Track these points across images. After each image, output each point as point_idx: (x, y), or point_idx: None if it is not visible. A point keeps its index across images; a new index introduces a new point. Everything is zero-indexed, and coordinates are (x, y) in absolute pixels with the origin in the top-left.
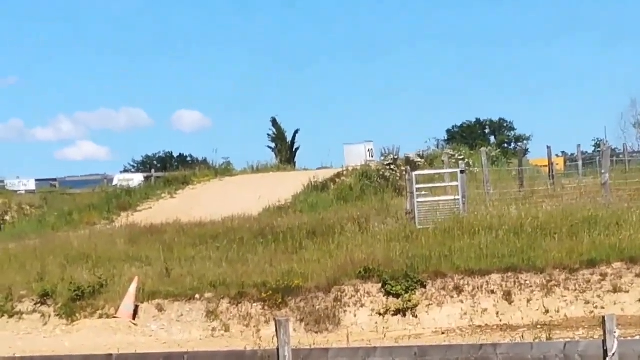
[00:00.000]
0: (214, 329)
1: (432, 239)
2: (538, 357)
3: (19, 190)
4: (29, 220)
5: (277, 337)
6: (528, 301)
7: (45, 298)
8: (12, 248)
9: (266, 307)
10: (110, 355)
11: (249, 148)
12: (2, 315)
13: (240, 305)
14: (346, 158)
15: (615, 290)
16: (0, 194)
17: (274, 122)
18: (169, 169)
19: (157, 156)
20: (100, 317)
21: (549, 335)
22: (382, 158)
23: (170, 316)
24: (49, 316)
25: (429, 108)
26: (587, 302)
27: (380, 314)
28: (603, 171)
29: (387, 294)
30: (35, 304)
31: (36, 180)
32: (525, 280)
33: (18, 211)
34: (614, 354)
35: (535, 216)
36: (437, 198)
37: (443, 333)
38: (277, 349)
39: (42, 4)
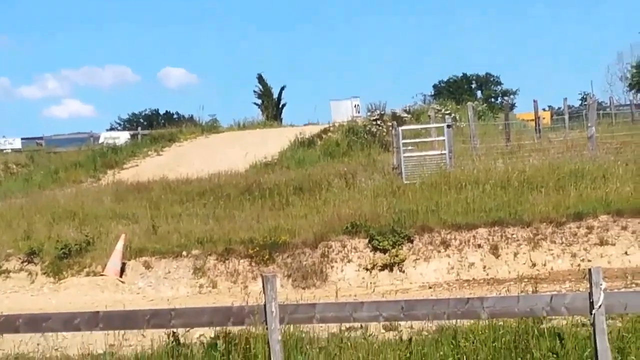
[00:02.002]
0: (201, 286)
1: (419, 194)
2: (525, 311)
3: (5, 149)
4: (15, 179)
5: (264, 293)
6: (515, 255)
7: (32, 256)
8: None
9: (253, 264)
10: (97, 312)
11: (235, 105)
12: None
13: (227, 261)
14: (333, 114)
15: (602, 243)
16: None
17: (260, 78)
18: (156, 127)
19: (143, 114)
20: (87, 275)
21: (536, 288)
22: (369, 114)
23: (157, 273)
24: (36, 274)
25: (415, 63)
26: (573, 255)
27: (367, 269)
28: (589, 124)
29: (374, 249)
30: (22, 263)
31: (22, 139)
32: (512, 234)
33: (4, 170)
34: (600, 306)
35: (522, 170)
36: (423, 153)
37: (430, 287)
38: (264, 305)
39: None
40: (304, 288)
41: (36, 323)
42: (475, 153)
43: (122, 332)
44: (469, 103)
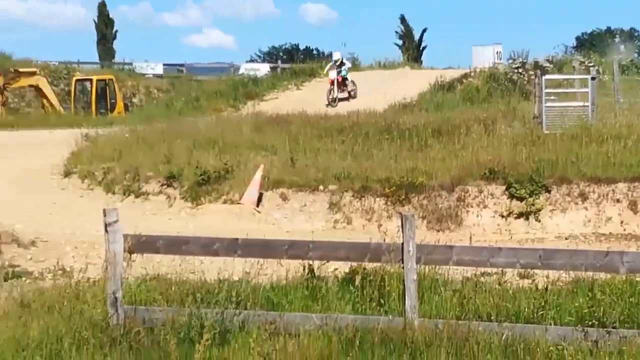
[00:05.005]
0: (336, 221)
1: (559, 145)
2: None
3: (147, 74)
4: (157, 104)
5: (402, 232)
6: None
7: (171, 180)
8: (140, 130)
9: (389, 203)
10: (237, 239)
11: (374, 44)
12: (129, 195)
13: (363, 199)
14: (474, 59)
15: None
16: (129, 76)
17: (403, 19)
18: (295, 61)
19: (283, 48)
20: (225, 202)
21: None
22: (510, 61)
23: (294, 206)
24: (175, 198)
25: (558, 13)
26: None
27: (502, 216)
28: None
29: (511, 196)
30: (161, 186)
31: (164, 64)
32: None
33: (146, 94)
34: None
35: None
36: (565, 104)
37: (566, 239)
38: (402, 244)
39: None
40: (438, 230)
41: (176, 245)
42: (618, 107)
43: (259, 260)
44: (615, 56)
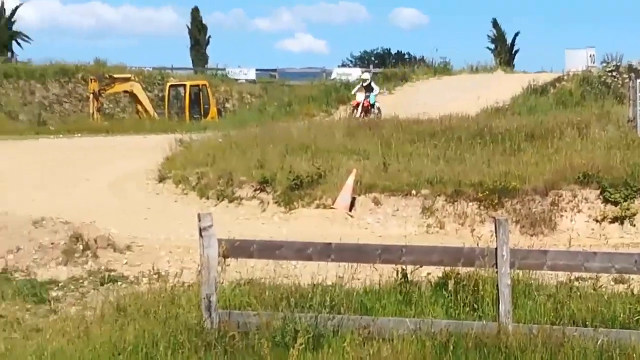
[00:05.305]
0: (428, 226)
1: None
2: None
3: (240, 79)
4: (249, 109)
5: (496, 236)
6: None
7: (264, 185)
8: (234, 135)
9: (482, 207)
10: (330, 244)
11: (466, 48)
12: (223, 200)
13: (456, 203)
14: (567, 63)
15: None
16: (222, 82)
17: (495, 23)
18: (387, 65)
19: (375, 52)
20: (317, 207)
21: None
22: (604, 64)
23: (386, 210)
24: (268, 203)
25: None
26: None
27: (597, 221)
28: None
29: (605, 201)
30: (254, 191)
31: (256, 70)
32: None
33: (238, 99)
34: None
35: None
36: None
37: None
38: (495, 248)
39: None
40: (531, 235)
41: (269, 250)
42: None
43: (352, 265)
44: None
